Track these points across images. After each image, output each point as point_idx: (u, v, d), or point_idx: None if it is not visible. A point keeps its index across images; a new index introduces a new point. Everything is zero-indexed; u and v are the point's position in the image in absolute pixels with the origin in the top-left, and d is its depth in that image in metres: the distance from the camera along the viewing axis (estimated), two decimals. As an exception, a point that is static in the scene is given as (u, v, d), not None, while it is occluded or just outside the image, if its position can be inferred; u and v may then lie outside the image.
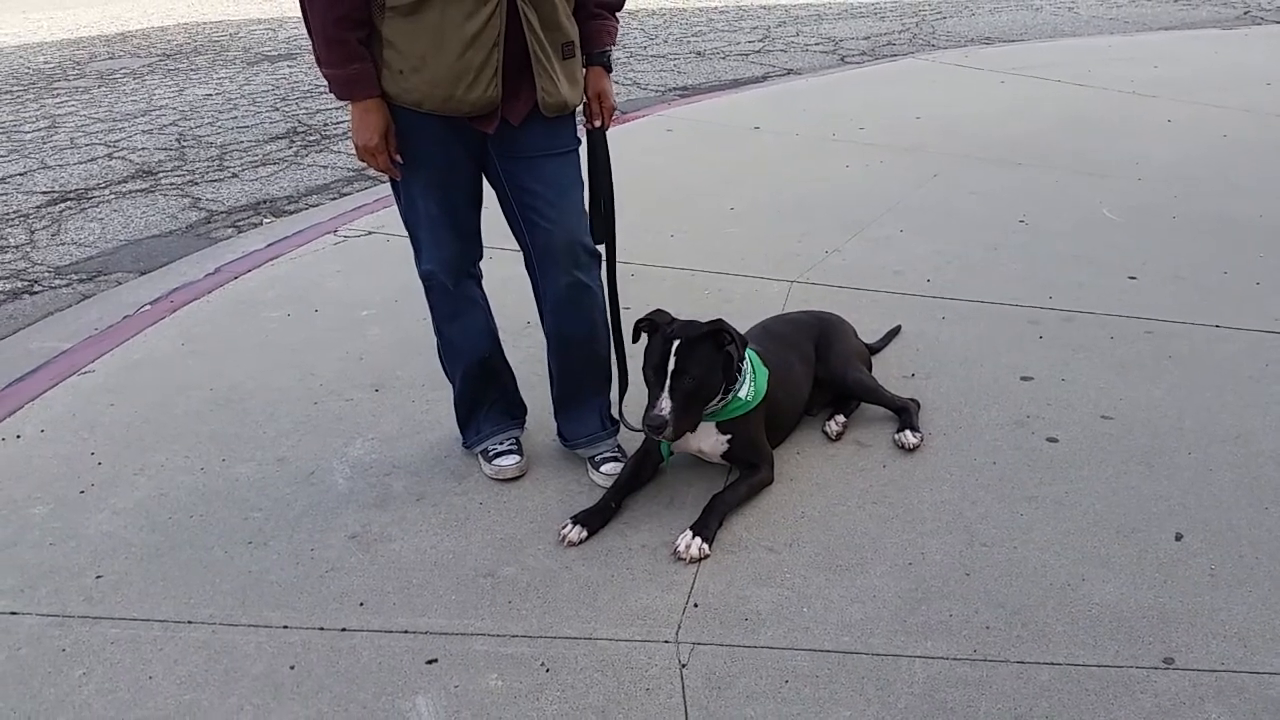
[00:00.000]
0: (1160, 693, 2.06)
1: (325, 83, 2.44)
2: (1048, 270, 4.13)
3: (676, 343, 2.55)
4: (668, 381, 2.54)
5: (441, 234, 2.66)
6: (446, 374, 2.95)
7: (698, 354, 2.56)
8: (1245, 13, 11.10)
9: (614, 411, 2.94)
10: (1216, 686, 2.08)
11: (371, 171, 6.14)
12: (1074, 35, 9.93)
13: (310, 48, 2.45)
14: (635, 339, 2.74)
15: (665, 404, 2.52)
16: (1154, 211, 4.77)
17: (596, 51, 2.63)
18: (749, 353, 2.76)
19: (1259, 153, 5.69)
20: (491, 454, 2.89)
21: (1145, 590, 2.34)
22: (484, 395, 2.92)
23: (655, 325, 2.67)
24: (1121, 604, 2.30)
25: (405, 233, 2.72)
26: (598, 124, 2.70)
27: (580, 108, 2.66)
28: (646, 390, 2.62)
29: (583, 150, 2.68)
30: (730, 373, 2.66)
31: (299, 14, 2.39)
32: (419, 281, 2.78)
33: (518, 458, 2.89)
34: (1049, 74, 7.71)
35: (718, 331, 2.61)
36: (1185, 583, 2.37)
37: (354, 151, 2.53)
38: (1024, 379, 3.29)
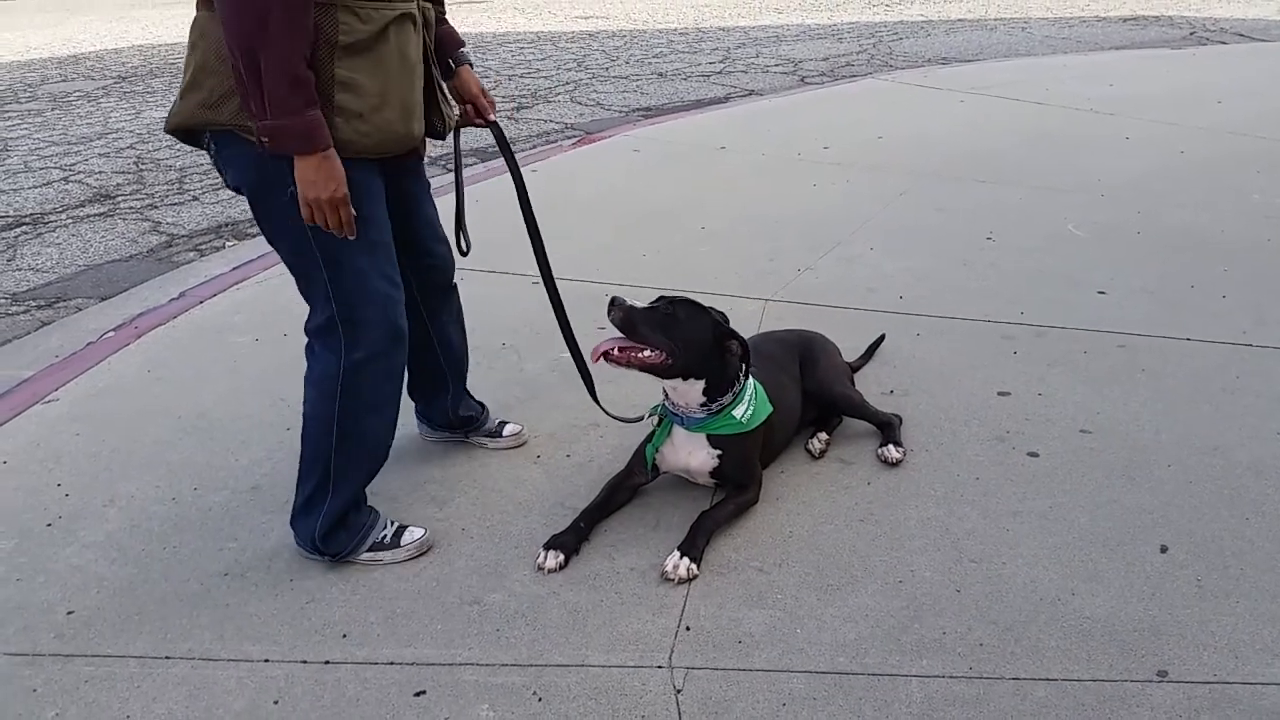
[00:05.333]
0: (1156, 706, 2.06)
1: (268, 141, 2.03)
2: (1018, 286, 4.17)
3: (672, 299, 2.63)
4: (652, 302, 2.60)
5: (395, 294, 2.38)
6: (332, 482, 2.49)
7: (687, 309, 2.61)
8: (1191, 33, 11.37)
9: (597, 406, 2.85)
10: (1211, 699, 2.08)
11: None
12: (1029, 55, 10.10)
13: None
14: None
15: (635, 302, 2.56)
16: (1119, 227, 4.84)
17: (459, 51, 2.62)
18: (756, 386, 2.74)
19: (1216, 169, 5.80)
20: (392, 535, 2.60)
21: (1135, 603, 2.35)
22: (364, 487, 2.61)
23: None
24: (1113, 618, 2.30)
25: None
26: (493, 118, 2.71)
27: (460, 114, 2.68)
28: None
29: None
30: (726, 374, 2.64)
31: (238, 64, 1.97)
32: None
33: (415, 528, 2.64)
34: (1007, 93, 7.83)
35: (718, 325, 2.64)
36: (1174, 595, 2.38)
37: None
38: (1001, 394, 3.30)
